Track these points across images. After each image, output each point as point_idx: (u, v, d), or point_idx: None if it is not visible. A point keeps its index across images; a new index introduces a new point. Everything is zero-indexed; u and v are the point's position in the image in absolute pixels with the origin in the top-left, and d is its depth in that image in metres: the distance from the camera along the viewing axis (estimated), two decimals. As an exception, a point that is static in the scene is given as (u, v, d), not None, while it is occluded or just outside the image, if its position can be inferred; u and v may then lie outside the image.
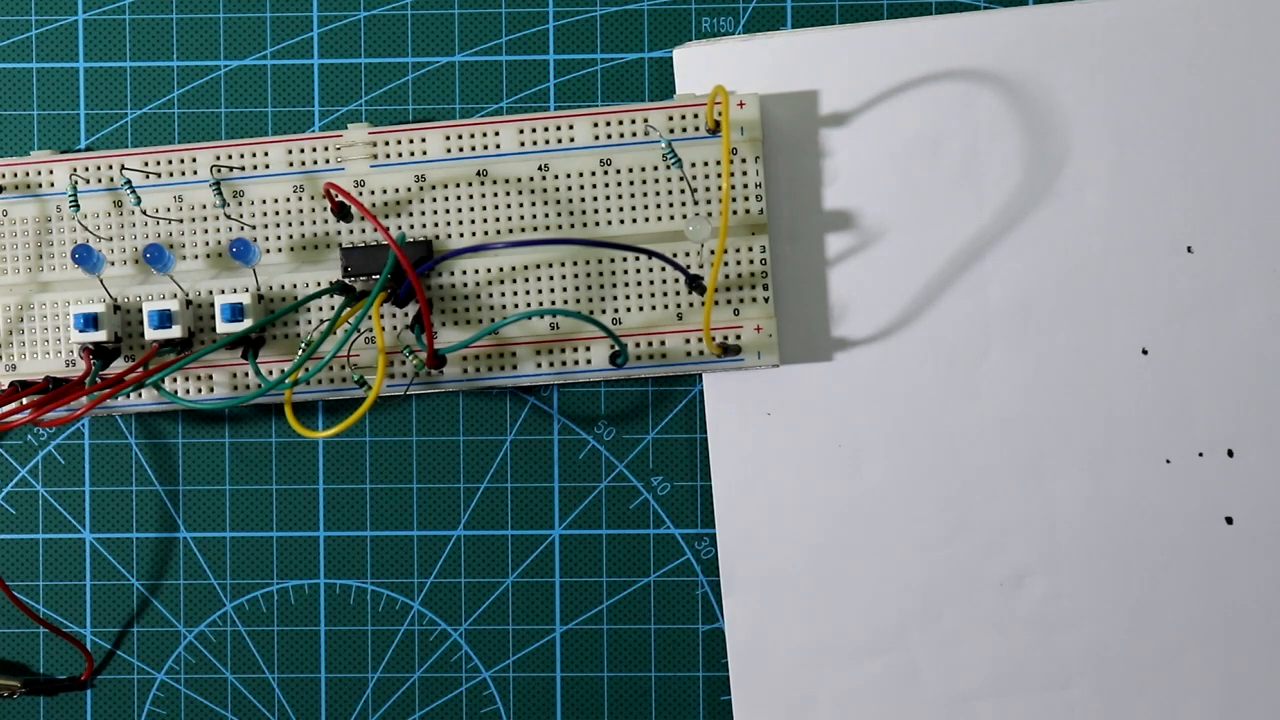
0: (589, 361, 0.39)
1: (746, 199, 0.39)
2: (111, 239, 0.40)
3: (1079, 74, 0.40)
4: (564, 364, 0.39)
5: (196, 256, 0.40)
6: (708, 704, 0.41)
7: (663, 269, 0.39)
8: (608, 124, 0.39)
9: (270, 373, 0.39)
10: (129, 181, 0.39)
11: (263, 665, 0.41)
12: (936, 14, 0.41)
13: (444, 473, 0.41)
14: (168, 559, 0.41)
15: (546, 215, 0.39)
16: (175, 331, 0.38)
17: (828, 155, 0.40)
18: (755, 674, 0.40)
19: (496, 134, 0.39)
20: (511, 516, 0.41)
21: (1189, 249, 0.39)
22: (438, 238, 0.39)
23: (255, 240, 0.39)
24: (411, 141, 0.39)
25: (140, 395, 0.40)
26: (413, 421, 0.41)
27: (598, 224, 0.39)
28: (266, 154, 0.39)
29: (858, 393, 0.40)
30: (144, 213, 0.39)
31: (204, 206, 0.39)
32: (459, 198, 0.39)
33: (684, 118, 0.39)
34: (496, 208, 0.39)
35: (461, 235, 0.39)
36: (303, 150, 0.39)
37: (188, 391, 0.40)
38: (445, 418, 0.41)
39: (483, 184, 0.39)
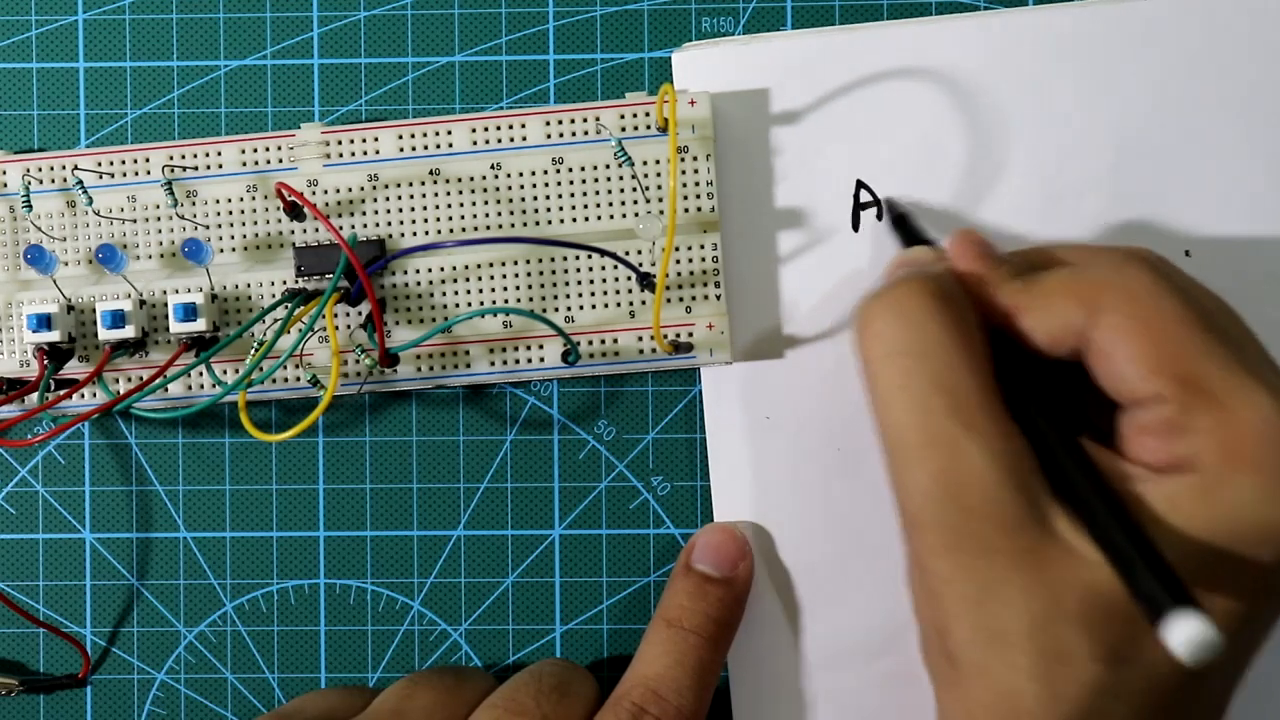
0: (542, 360, 0.38)
1: (698, 197, 0.38)
2: (65, 239, 0.39)
3: (1079, 76, 0.39)
4: (517, 362, 0.38)
5: (150, 256, 0.38)
6: (707, 704, 0.40)
7: (615, 267, 0.38)
8: (560, 123, 0.38)
9: (224, 373, 0.39)
10: (80, 182, 0.38)
11: (263, 665, 0.41)
12: (936, 14, 0.41)
13: (444, 473, 0.40)
14: (168, 559, 0.41)
15: (499, 214, 0.38)
16: (129, 331, 0.37)
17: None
18: (754, 675, 0.40)
19: (449, 133, 0.38)
20: (511, 516, 0.40)
21: (1186, 253, 0.38)
22: (390, 237, 0.38)
23: (208, 240, 0.38)
24: (364, 141, 0.38)
25: (95, 395, 0.39)
26: (413, 421, 0.41)
27: (550, 222, 0.38)
28: (220, 154, 0.38)
29: (857, 395, 0.39)
30: (96, 213, 0.38)
31: (157, 206, 0.38)
32: (412, 197, 0.38)
33: (635, 116, 0.38)
34: (449, 206, 0.38)
35: (414, 234, 0.38)
36: (255, 150, 0.39)
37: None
38: (445, 418, 0.41)
39: (435, 183, 0.38)
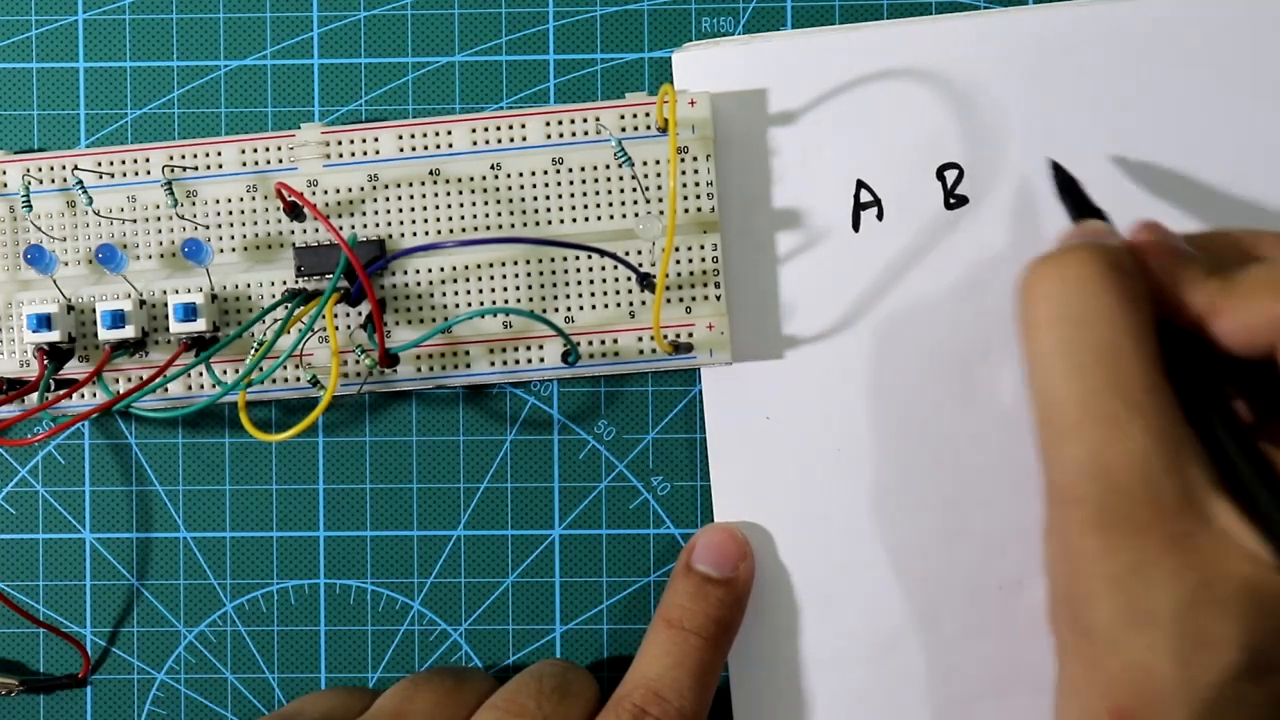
0: (541, 360, 0.38)
1: (698, 197, 0.38)
2: (65, 239, 0.39)
3: (1079, 76, 0.39)
4: (517, 362, 0.38)
5: (150, 256, 0.38)
6: (707, 704, 0.40)
7: (615, 267, 0.38)
8: (560, 123, 0.38)
9: (224, 373, 0.38)
10: (80, 182, 0.38)
11: (263, 665, 0.41)
12: (936, 14, 0.40)
13: (444, 473, 0.40)
14: (168, 559, 0.41)
15: (499, 214, 0.38)
16: (129, 331, 0.37)
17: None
18: (754, 676, 0.39)
19: (449, 133, 0.38)
20: (511, 516, 0.40)
21: (1189, 252, 0.39)
22: (390, 237, 0.38)
23: (208, 240, 0.38)
24: (364, 141, 0.38)
25: (95, 395, 0.38)
26: (413, 421, 0.40)
27: (550, 223, 0.38)
28: (220, 154, 0.38)
29: (857, 396, 0.39)
30: (96, 213, 0.38)
31: (157, 206, 0.38)
32: (412, 197, 0.38)
33: (635, 116, 0.38)
34: (449, 207, 0.38)
35: (414, 234, 0.38)
36: (256, 150, 0.38)
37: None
38: (445, 418, 0.41)
39: (435, 183, 0.38)
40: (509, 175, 0.38)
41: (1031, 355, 0.32)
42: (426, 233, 0.38)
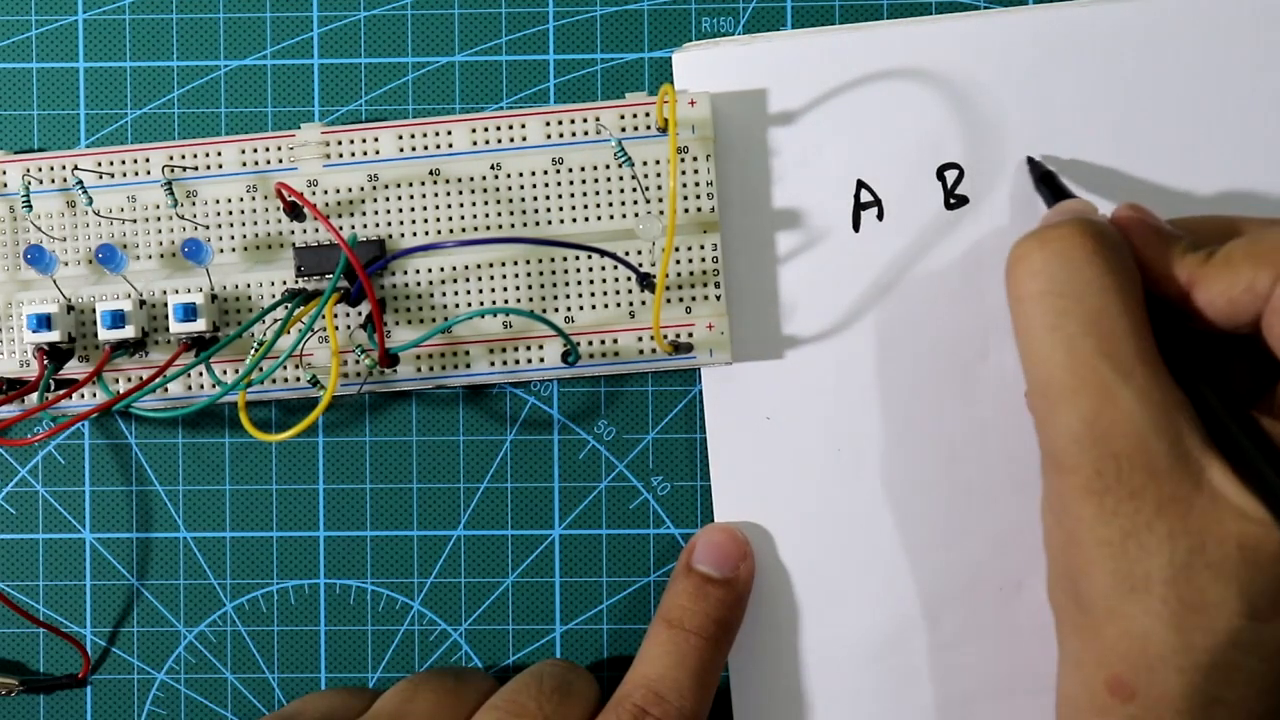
0: (541, 360, 0.38)
1: (698, 197, 0.38)
2: (65, 239, 0.39)
3: (1079, 76, 0.39)
4: (516, 362, 0.38)
5: (150, 256, 0.38)
6: (706, 705, 0.40)
7: (615, 267, 0.38)
8: (560, 123, 0.38)
9: (224, 373, 0.38)
10: (80, 182, 0.38)
11: (263, 665, 0.41)
12: (936, 14, 0.40)
13: (444, 473, 0.40)
14: (168, 559, 0.41)
15: (499, 214, 0.38)
16: (129, 331, 0.37)
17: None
18: (754, 676, 0.40)
19: (449, 133, 0.38)
20: (511, 516, 0.40)
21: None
22: (390, 237, 0.38)
23: (208, 240, 0.38)
24: (364, 141, 0.38)
25: (95, 395, 0.38)
26: (413, 421, 0.40)
27: (550, 223, 0.38)
28: (220, 154, 0.38)
29: (858, 396, 0.39)
30: (96, 213, 0.38)
31: (157, 206, 0.38)
32: (411, 197, 0.38)
33: (635, 116, 0.38)
34: (449, 207, 0.38)
35: (414, 234, 0.38)
36: (256, 150, 0.38)
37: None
38: (445, 418, 0.41)
39: (435, 183, 0.38)
40: (509, 175, 0.38)
41: (1022, 329, 0.32)
42: (426, 233, 0.38)
